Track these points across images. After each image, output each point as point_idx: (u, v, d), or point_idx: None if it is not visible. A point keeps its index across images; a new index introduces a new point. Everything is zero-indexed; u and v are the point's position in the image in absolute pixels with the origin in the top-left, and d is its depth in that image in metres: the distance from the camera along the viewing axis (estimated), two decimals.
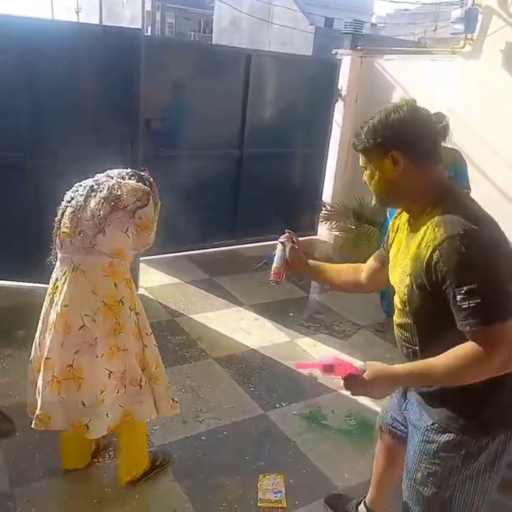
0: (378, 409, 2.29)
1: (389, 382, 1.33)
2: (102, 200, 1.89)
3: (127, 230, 1.93)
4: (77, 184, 2.02)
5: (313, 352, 3.49)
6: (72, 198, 1.96)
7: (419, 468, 1.47)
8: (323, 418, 2.80)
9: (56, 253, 1.99)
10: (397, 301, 1.47)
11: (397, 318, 1.49)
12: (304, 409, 2.87)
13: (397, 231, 1.56)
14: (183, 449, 2.50)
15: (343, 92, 5.45)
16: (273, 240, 6.21)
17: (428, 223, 1.30)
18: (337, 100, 5.43)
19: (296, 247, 1.81)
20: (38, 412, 1.93)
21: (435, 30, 16.20)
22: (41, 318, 2.02)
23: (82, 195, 1.93)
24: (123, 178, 2.01)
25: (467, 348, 1.23)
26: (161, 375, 2.11)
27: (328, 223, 5.44)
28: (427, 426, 1.44)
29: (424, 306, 1.35)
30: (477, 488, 1.42)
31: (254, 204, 5.11)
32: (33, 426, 1.95)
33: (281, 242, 1.82)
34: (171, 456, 2.41)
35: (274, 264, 1.77)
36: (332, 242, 5.62)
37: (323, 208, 5.57)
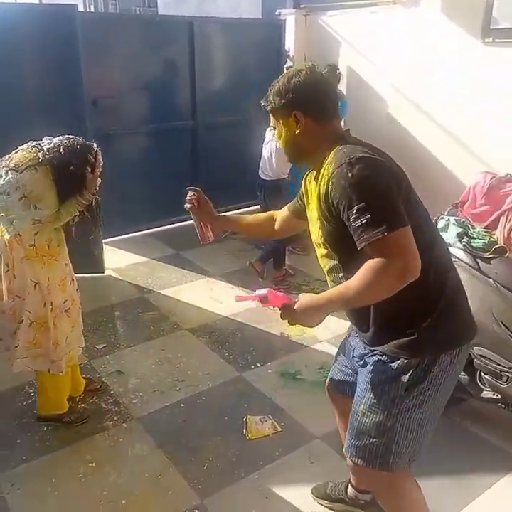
0: None
1: (315, 310, 1.39)
2: None
3: None
4: None
5: None
6: None
7: (363, 399, 1.52)
8: (298, 373, 2.89)
9: None
10: (319, 251, 1.56)
11: (326, 266, 1.57)
12: (278, 367, 2.95)
13: (308, 189, 1.61)
14: (163, 417, 2.55)
15: (291, 53, 5.39)
16: (240, 209, 6.10)
17: (325, 165, 1.41)
18: (285, 61, 5.37)
19: (201, 205, 1.84)
20: None
21: None
22: None
23: None
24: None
25: (368, 263, 1.28)
26: None
27: None
28: (377, 359, 1.50)
29: (337, 240, 1.43)
30: (419, 417, 1.46)
31: (216, 173, 5.04)
32: None
33: (188, 210, 1.85)
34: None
35: (197, 230, 1.86)
36: None
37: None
